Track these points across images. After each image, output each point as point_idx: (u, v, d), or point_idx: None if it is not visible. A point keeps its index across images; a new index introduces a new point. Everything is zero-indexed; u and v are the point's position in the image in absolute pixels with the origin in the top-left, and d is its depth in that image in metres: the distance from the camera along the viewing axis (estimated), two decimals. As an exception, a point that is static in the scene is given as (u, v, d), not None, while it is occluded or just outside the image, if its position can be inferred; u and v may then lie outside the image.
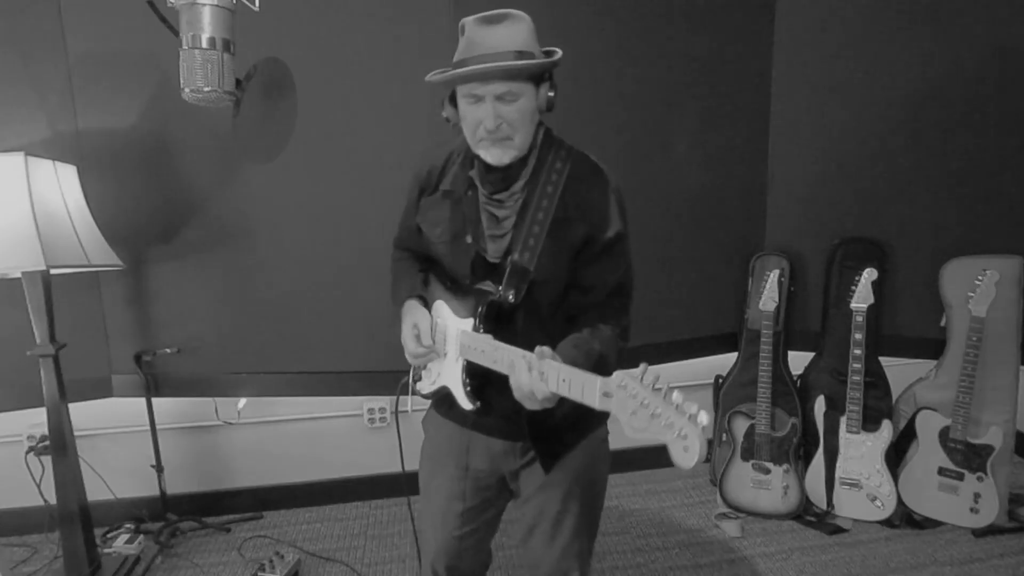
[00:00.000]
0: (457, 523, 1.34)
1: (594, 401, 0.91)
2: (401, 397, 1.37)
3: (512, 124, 1.09)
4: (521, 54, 1.06)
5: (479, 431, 1.28)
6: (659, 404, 0.82)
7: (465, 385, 1.17)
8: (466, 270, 1.19)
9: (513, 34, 1.07)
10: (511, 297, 1.12)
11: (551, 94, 1.11)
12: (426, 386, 1.30)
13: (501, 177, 1.15)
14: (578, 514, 1.29)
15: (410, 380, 1.37)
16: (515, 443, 1.26)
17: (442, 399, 1.28)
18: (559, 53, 1.10)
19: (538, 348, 1.00)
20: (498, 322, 1.14)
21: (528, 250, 1.12)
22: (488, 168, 1.14)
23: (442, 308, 1.24)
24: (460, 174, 1.22)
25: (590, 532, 1.36)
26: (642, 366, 0.86)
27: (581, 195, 1.15)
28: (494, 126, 1.08)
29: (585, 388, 0.92)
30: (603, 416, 1.32)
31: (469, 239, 1.19)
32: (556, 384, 0.96)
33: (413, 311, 1.26)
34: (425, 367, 1.31)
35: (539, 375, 0.97)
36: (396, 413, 1.33)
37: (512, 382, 1.03)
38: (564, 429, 1.22)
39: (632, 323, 1.23)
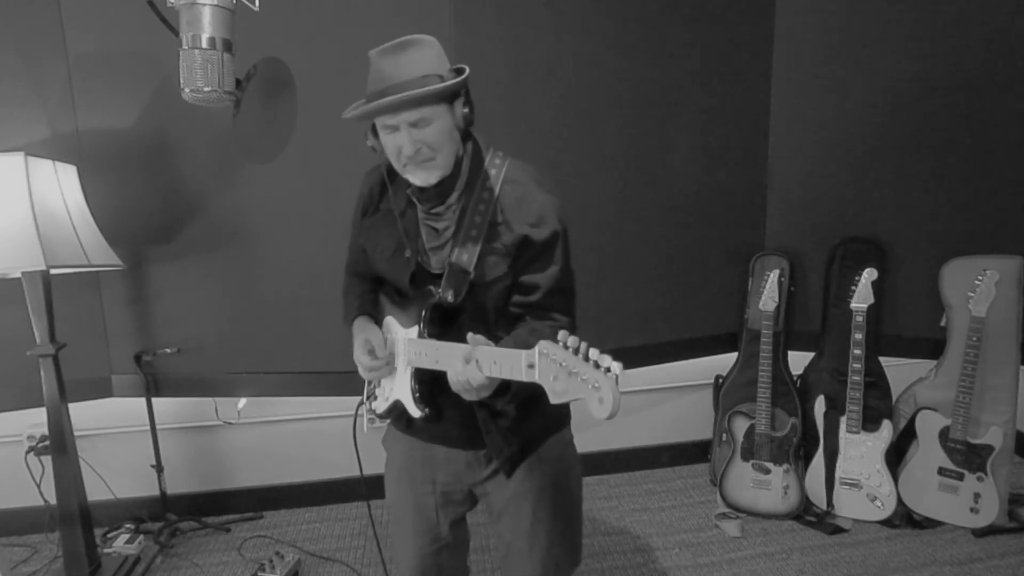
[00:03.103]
0: (428, 539, 1.34)
1: (520, 374, 0.93)
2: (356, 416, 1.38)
3: (431, 146, 1.10)
4: (426, 79, 1.07)
5: (438, 443, 1.28)
6: (576, 363, 0.85)
7: (414, 392, 1.18)
8: (406, 282, 1.21)
9: (417, 60, 1.08)
10: (450, 297, 1.14)
11: (466, 110, 1.13)
12: (381, 405, 1.30)
13: (436, 192, 1.17)
14: (552, 524, 1.29)
15: (364, 399, 1.36)
16: (477, 452, 1.26)
17: (399, 415, 1.28)
18: (466, 71, 1.11)
19: (470, 335, 1.02)
20: (443, 326, 1.16)
21: (466, 252, 1.14)
22: (423, 187, 1.16)
23: (391, 324, 1.25)
24: (399, 192, 1.24)
25: (569, 540, 1.35)
26: (562, 333, 0.88)
27: (516, 198, 1.17)
28: (413, 151, 1.09)
29: (513, 364, 0.95)
30: (563, 418, 1.32)
31: (408, 253, 1.21)
32: (489, 367, 0.99)
33: (364, 328, 1.27)
34: (379, 385, 1.31)
35: (475, 363, 1.00)
36: (355, 429, 1.33)
37: (449, 375, 1.05)
38: (519, 430, 1.22)
39: (578, 323, 1.24)
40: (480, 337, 1.02)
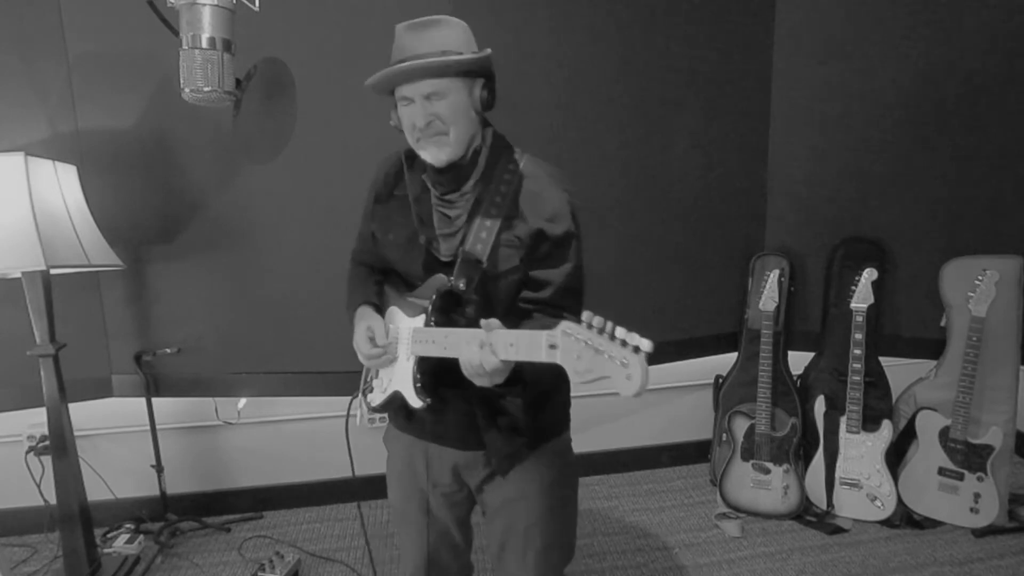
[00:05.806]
0: (432, 537, 1.34)
1: (541, 354, 0.90)
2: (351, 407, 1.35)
3: (443, 119, 1.11)
4: (446, 54, 1.08)
5: (437, 442, 1.27)
6: (602, 342, 0.82)
7: (416, 381, 1.15)
8: (418, 270, 1.21)
9: (440, 37, 1.09)
10: (462, 285, 1.13)
11: (485, 92, 1.13)
12: (377, 396, 1.27)
13: (452, 177, 1.16)
14: (547, 526, 1.28)
15: (360, 390, 1.34)
16: (476, 453, 1.25)
17: (399, 410, 1.26)
18: (487, 51, 1.12)
19: (483, 321, 1.00)
20: (450, 316, 1.15)
21: (480, 242, 1.14)
22: (438, 170, 1.16)
23: (395, 314, 1.24)
24: (413, 178, 1.24)
25: (563, 544, 1.35)
26: (586, 313, 0.86)
27: (534, 193, 1.17)
28: (424, 123, 1.10)
29: (532, 345, 0.92)
30: (563, 421, 1.32)
31: (422, 239, 1.20)
32: (504, 350, 0.96)
33: (366, 316, 1.26)
34: (377, 375, 1.29)
35: (488, 347, 0.98)
36: (347, 426, 1.31)
37: (461, 360, 1.03)
38: (519, 432, 1.21)
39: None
40: (494, 321, 1.00)
